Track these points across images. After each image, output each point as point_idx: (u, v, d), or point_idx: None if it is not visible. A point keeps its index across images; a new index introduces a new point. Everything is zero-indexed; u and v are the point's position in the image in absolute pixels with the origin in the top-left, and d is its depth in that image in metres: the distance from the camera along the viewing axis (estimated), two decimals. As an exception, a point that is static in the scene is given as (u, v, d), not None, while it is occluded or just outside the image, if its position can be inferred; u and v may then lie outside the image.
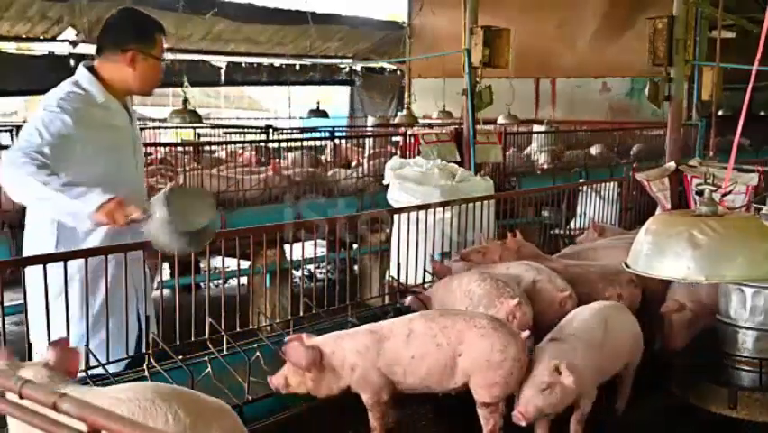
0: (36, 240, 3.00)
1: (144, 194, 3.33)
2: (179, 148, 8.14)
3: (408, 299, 3.17)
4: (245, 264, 4.09)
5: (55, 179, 2.61)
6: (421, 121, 12.41)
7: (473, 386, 2.41)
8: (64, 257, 2.59)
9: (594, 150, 9.85)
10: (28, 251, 3.00)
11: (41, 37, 12.14)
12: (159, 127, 11.29)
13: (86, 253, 2.64)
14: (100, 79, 3.05)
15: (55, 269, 2.52)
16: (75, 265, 2.64)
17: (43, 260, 2.54)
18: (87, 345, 2.58)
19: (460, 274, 3.14)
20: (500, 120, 11.42)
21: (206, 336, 2.80)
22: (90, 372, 2.46)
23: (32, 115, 3.06)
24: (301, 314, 3.10)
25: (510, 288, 2.90)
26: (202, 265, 5.45)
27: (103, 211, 2.56)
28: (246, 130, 10.89)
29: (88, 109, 2.96)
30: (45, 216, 2.93)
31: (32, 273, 2.50)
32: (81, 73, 3.04)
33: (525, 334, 2.44)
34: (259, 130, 10.00)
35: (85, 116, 2.92)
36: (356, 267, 5.85)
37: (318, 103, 14.38)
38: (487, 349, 2.37)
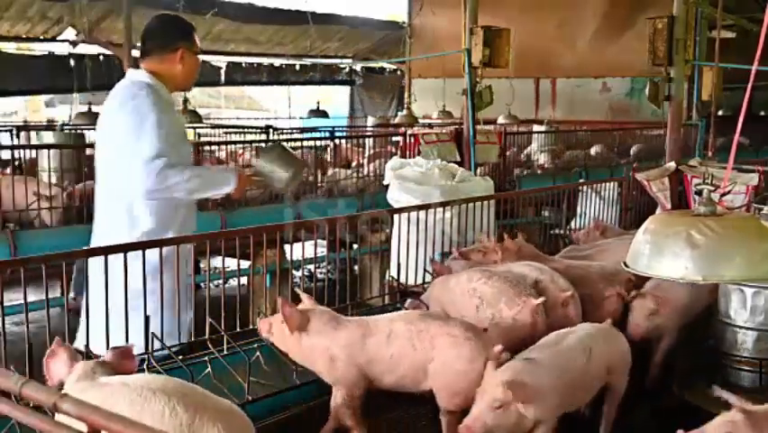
0: (113, 228, 3.28)
1: None
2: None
3: (408, 303, 3.17)
4: (245, 264, 4.09)
5: (188, 174, 3.21)
6: (421, 121, 12.40)
7: (436, 392, 2.40)
8: (65, 257, 2.60)
9: (593, 150, 9.84)
10: (109, 238, 3.15)
11: (41, 37, 12.14)
12: (159, 127, 11.28)
13: (86, 254, 2.65)
14: (158, 78, 3.36)
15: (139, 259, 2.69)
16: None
17: (44, 260, 2.55)
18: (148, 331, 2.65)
19: (458, 273, 3.12)
20: (500, 120, 11.42)
21: (206, 336, 2.80)
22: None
23: (111, 119, 3.31)
24: (301, 314, 3.10)
25: (523, 285, 2.89)
26: (202, 265, 5.45)
27: (238, 192, 3.43)
28: (246, 130, 10.86)
29: (164, 104, 3.31)
30: (124, 207, 3.26)
31: (114, 263, 2.64)
32: (142, 74, 3.35)
33: (499, 348, 2.36)
34: (259, 130, 9.98)
35: (165, 110, 3.29)
36: (356, 267, 5.84)
37: (318, 103, 14.36)
38: (454, 357, 2.35)
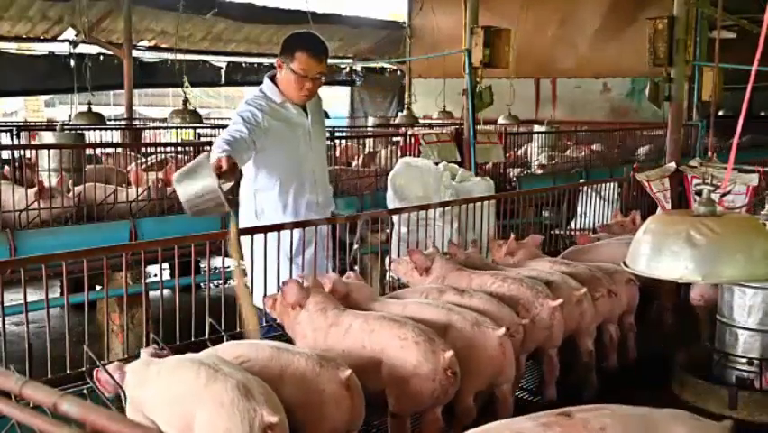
0: (245, 215, 3.80)
1: (324, 175, 4.04)
2: (179, 148, 8.12)
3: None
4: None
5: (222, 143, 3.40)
6: (421, 121, 12.41)
7: (387, 394, 2.37)
8: (65, 257, 2.61)
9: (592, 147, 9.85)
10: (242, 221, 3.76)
11: (41, 37, 12.15)
12: (159, 127, 11.29)
13: (85, 254, 2.65)
14: (277, 84, 3.79)
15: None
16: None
17: (44, 260, 2.56)
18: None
19: (469, 277, 3.07)
20: (501, 120, 11.42)
21: (206, 336, 2.80)
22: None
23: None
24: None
25: (541, 287, 2.88)
26: (202, 265, 5.45)
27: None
28: (246, 130, 10.84)
29: (270, 105, 3.73)
30: (249, 199, 3.79)
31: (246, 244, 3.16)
32: (264, 80, 3.85)
33: (450, 353, 2.31)
34: (259, 130, 9.97)
35: (267, 111, 3.69)
36: (356, 267, 5.84)
37: (318, 103, 14.32)
38: (401, 361, 2.31)
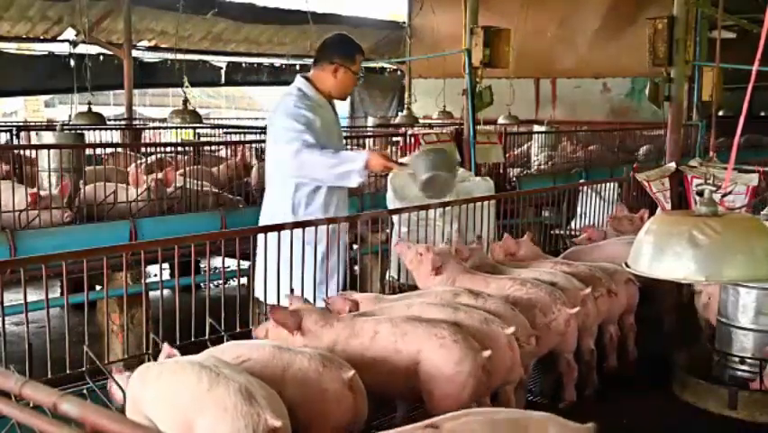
0: (277, 211, 3.83)
1: None
2: (179, 148, 8.12)
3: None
4: (245, 264, 4.09)
5: (326, 153, 3.70)
6: (421, 121, 12.40)
7: (425, 395, 2.35)
8: (65, 257, 2.60)
9: (591, 147, 9.85)
10: (266, 219, 3.85)
11: (41, 37, 12.14)
12: (159, 127, 11.28)
13: (86, 254, 2.65)
14: (312, 84, 3.99)
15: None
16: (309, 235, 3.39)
17: (44, 260, 2.56)
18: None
19: (485, 280, 3.04)
20: (500, 120, 11.41)
21: (206, 336, 2.80)
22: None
23: (270, 119, 4.04)
24: (301, 314, 3.09)
25: (558, 293, 2.88)
26: (202, 265, 5.45)
27: (371, 165, 3.66)
28: (246, 130, 10.85)
29: (312, 105, 3.91)
30: (286, 193, 3.83)
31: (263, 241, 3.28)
32: (300, 80, 4.02)
33: (488, 353, 2.33)
34: (259, 130, 9.98)
35: (314, 110, 3.88)
36: (356, 267, 5.84)
37: (318, 103, 14.32)
38: (442, 360, 2.30)
